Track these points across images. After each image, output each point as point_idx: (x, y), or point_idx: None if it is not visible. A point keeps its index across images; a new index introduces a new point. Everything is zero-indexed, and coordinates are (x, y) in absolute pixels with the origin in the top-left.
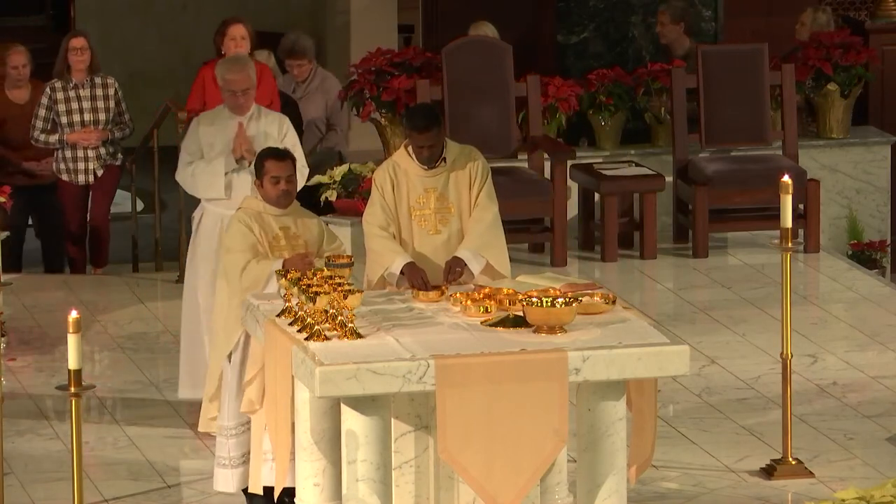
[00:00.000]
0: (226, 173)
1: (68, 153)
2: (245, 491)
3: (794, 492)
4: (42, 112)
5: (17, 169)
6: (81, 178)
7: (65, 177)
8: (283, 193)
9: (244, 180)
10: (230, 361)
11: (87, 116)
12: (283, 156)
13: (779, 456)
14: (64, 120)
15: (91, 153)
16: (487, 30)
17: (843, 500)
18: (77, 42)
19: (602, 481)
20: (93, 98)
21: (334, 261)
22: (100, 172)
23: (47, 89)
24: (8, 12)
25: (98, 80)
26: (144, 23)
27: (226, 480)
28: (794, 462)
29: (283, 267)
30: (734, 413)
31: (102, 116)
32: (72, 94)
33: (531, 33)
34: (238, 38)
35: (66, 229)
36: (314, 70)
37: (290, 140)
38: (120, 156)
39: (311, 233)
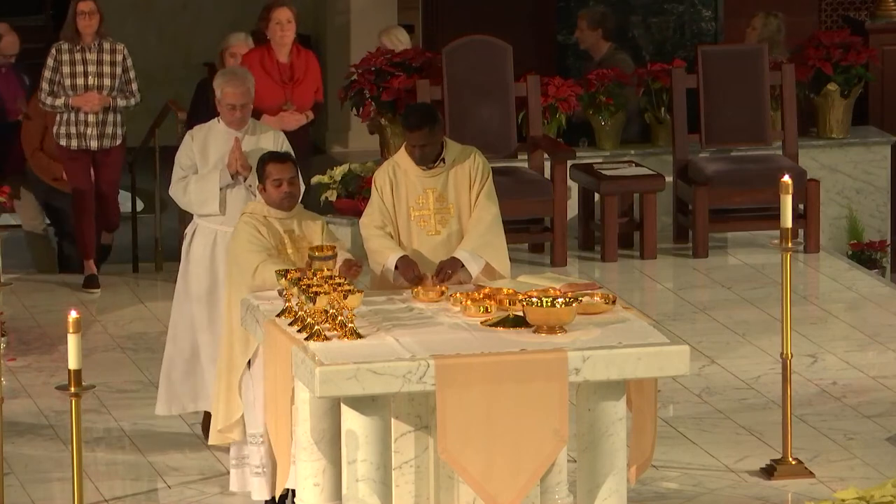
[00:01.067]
0: (220, 189)
1: (70, 116)
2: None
3: (794, 492)
4: (47, 74)
5: (55, 177)
6: (75, 143)
7: (63, 141)
8: (286, 196)
9: (239, 196)
10: (250, 368)
11: (91, 80)
12: (284, 158)
13: (779, 456)
14: (67, 82)
15: (91, 118)
16: (399, 34)
17: (843, 500)
18: (85, 6)
19: (602, 481)
20: (99, 62)
21: (316, 253)
22: (95, 143)
23: (53, 50)
24: (8, 12)
25: (106, 45)
26: (144, 23)
27: (261, 488)
28: (794, 462)
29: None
30: (734, 413)
31: (107, 82)
32: (77, 56)
33: (531, 33)
34: (284, 21)
35: (74, 207)
36: None
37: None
38: (120, 132)
39: (314, 235)
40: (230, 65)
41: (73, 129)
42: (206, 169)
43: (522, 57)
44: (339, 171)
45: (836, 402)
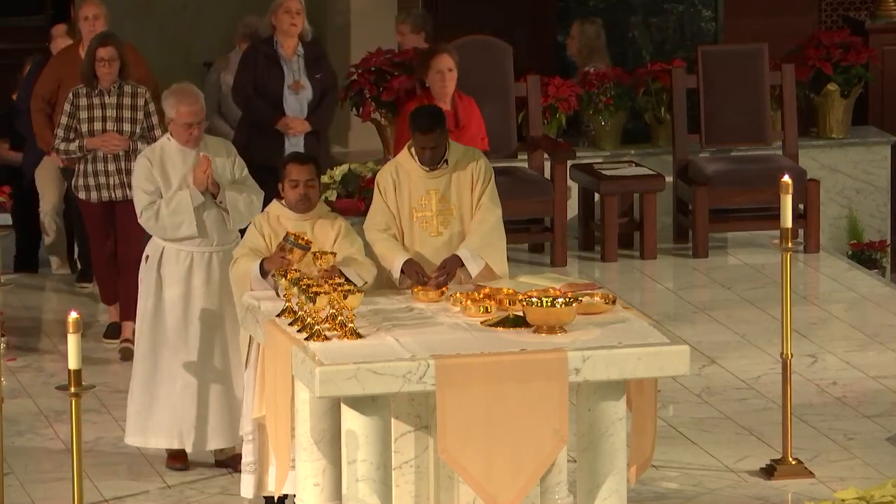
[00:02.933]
0: (194, 208)
1: (89, 166)
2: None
3: (794, 492)
4: (64, 119)
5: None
6: (95, 195)
7: (82, 194)
8: (302, 198)
9: (211, 214)
10: (247, 366)
11: (110, 125)
12: (306, 160)
13: (779, 456)
14: (85, 128)
15: (112, 166)
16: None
17: (843, 500)
18: (104, 52)
19: (602, 481)
20: (119, 106)
21: (292, 237)
22: (118, 193)
23: (70, 95)
24: (8, 12)
25: (127, 89)
26: (144, 23)
27: (249, 485)
28: (794, 462)
29: (262, 266)
30: (734, 413)
31: (128, 127)
32: (96, 100)
33: (531, 33)
34: (445, 70)
35: (92, 258)
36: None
37: (238, 166)
38: None
39: (327, 238)
40: (283, 22)
41: (91, 181)
42: (169, 192)
43: (522, 57)
44: (338, 171)
45: (836, 402)
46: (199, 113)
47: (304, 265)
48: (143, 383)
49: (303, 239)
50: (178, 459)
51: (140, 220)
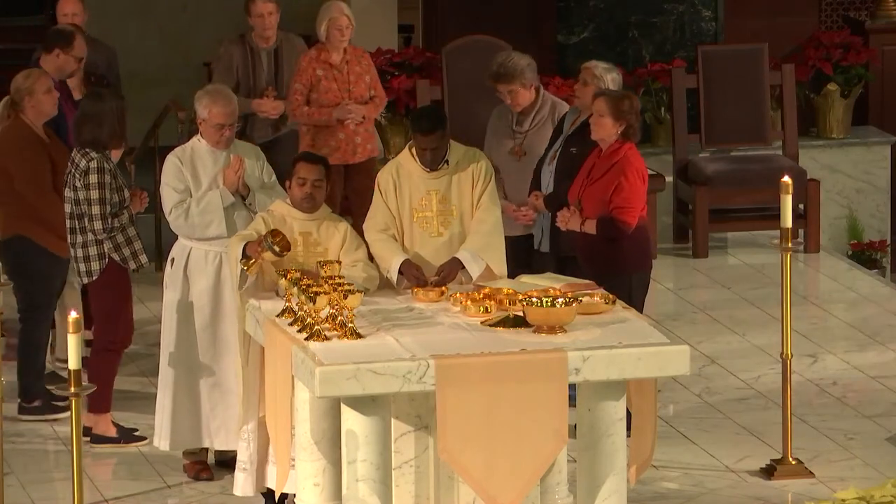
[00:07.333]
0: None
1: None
2: (264, 493)
3: (794, 492)
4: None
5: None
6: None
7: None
8: (307, 196)
9: (241, 216)
10: (247, 363)
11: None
12: (316, 160)
13: (779, 456)
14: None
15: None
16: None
17: (843, 500)
18: None
19: (602, 481)
20: None
21: (273, 241)
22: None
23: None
24: (8, 12)
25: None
26: (145, 23)
27: (244, 484)
28: (794, 462)
29: (245, 251)
30: (734, 413)
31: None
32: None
33: (531, 33)
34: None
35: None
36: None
37: (267, 171)
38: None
39: (333, 239)
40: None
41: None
42: (199, 192)
43: None
44: None
45: (836, 402)
46: (231, 114)
47: (307, 266)
48: (172, 387)
49: (280, 245)
50: (204, 469)
51: (168, 218)
